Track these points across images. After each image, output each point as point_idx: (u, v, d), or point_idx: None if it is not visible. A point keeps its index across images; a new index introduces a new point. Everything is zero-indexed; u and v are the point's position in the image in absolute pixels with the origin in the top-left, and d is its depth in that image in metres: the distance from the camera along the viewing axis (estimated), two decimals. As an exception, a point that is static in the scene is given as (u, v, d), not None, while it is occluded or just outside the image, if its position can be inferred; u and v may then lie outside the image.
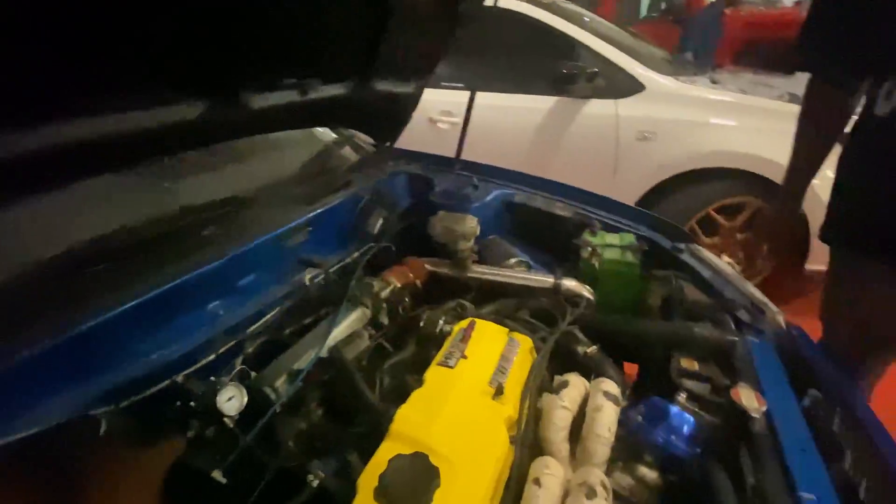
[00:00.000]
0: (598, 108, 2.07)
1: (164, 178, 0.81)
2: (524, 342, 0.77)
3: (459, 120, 2.42)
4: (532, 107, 2.21)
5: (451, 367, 0.69)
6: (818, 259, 1.85)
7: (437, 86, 2.50)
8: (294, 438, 0.66)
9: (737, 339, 0.76)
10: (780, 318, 0.89)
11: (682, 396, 0.65)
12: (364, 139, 1.47)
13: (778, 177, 1.76)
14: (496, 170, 1.47)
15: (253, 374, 0.68)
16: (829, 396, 0.68)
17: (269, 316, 0.83)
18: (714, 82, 2.06)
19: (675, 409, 0.60)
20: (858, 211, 0.97)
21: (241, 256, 0.78)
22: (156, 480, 0.55)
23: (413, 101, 1.35)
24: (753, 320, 0.84)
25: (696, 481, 0.55)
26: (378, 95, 1.19)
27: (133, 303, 0.62)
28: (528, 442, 0.62)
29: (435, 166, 1.45)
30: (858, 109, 0.93)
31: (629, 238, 1.13)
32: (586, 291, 0.99)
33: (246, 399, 0.60)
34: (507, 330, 0.78)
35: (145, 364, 0.63)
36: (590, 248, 1.06)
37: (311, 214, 0.92)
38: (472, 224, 1.00)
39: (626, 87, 2.02)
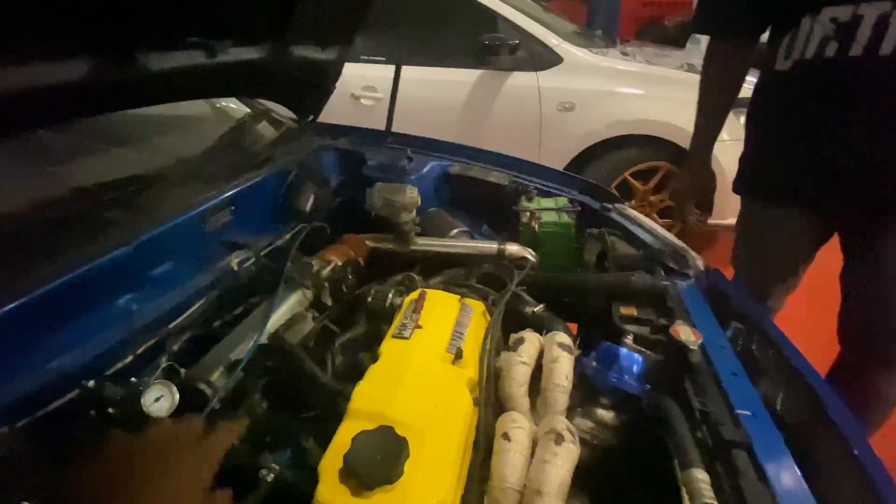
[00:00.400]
0: (520, 81, 2.11)
1: (53, 154, 0.67)
2: (476, 306, 0.76)
3: (383, 95, 2.36)
4: (457, 80, 2.20)
5: (406, 339, 0.66)
6: (720, 215, 2.07)
7: (356, 60, 2.39)
8: (242, 435, 0.59)
9: (668, 283, 0.82)
10: (700, 263, 0.97)
11: (629, 339, 0.69)
12: (283, 113, 1.35)
13: (683, 141, 1.96)
14: (429, 141, 1.44)
15: (183, 370, 0.60)
16: (747, 324, 0.76)
17: (194, 307, 0.74)
18: (624, 54, 2.19)
19: (624, 351, 0.64)
20: (761, 161, 1.08)
21: (152, 241, 0.68)
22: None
23: (335, 69, 1.26)
24: (679, 266, 0.91)
25: (650, 415, 0.59)
26: (296, 62, 1.09)
27: (19, 302, 0.51)
28: (492, 401, 0.62)
29: (365, 140, 1.38)
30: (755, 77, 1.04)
31: (563, 201, 1.17)
32: (529, 254, 1.01)
33: (177, 398, 0.53)
34: (458, 297, 0.77)
35: (44, 373, 0.52)
36: (528, 213, 1.08)
37: (233, 192, 0.83)
38: (412, 194, 0.96)
39: (546, 59, 2.08)
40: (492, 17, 2.13)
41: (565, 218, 1.09)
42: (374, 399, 0.56)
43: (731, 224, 2.10)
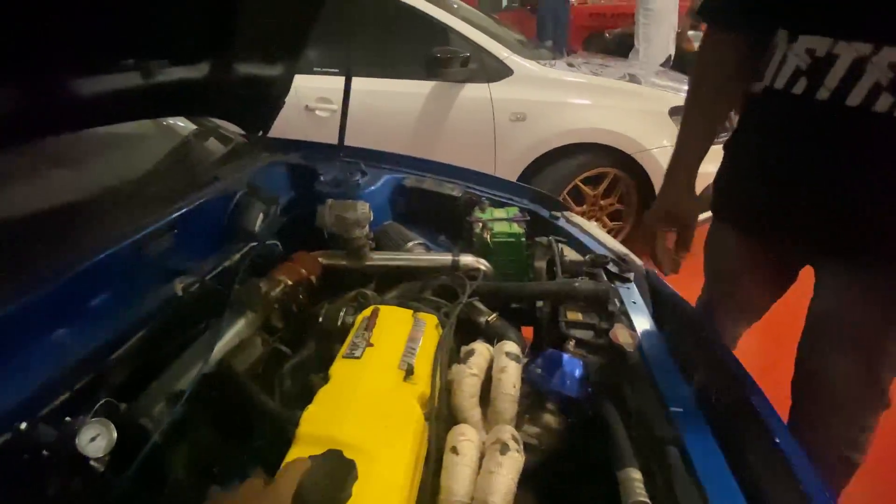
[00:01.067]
0: (473, 92, 2.16)
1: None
2: (429, 320, 0.78)
3: (338, 107, 2.33)
4: (411, 91, 2.22)
5: (357, 358, 0.66)
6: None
7: (310, 71, 2.37)
8: (184, 469, 0.58)
9: (609, 288, 0.86)
10: (641, 266, 1.03)
11: (570, 344, 0.72)
12: (231, 129, 1.32)
13: (627, 147, 2.06)
14: (382, 154, 1.45)
15: (123, 405, 0.58)
16: (683, 324, 0.82)
17: (135, 338, 0.71)
18: (570, 65, 2.28)
19: (566, 356, 0.67)
20: (727, 182, 0.95)
21: (89, 272, 0.65)
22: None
23: (283, 84, 1.25)
24: (621, 270, 0.97)
25: (592, 417, 0.62)
26: (241, 79, 1.08)
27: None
28: (444, 414, 0.63)
29: (317, 155, 1.37)
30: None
31: (513, 210, 1.20)
32: (482, 264, 1.03)
33: (115, 435, 0.51)
34: (411, 311, 0.78)
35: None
36: (481, 224, 1.11)
37: (175, 215, 0.81)
38: (364, 210, 0.97)
39: (497, 71, 2.14)
40: (443, 29, 2.17)
41: (516, 227, 1.12)
42: (322, 422, 0.56)
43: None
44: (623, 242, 2.36)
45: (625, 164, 2.11)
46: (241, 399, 0.62)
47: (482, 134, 2.19)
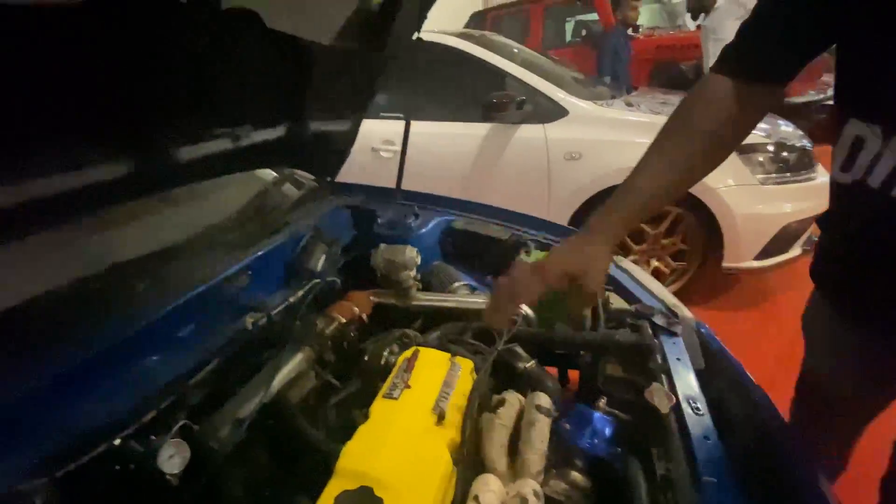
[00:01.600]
0: (528, 133, 2.21)
1: (92, 233, 0.79)
2: (465, 365, 0.82)
3: (399, 148, 2.50)
4: (468, 133, 2.33)
5: (395, 399, 0.72)
6: (734, 258, 2.06)
7: (376, 116, 2.57)
8: (242, 489, 0.66)
9: (650, 342, 0.85)
10: (691, 319, 1.00)
11: (602, 401, 0.72)
12: (305, 175, 1.49)
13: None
14: (435, 197, 1.54)
15: (196, 427, 0.68)
16: (729, 383, 0.78)
17: (210, 366, 0.83)
18: (629, 105, 2.27)
19: (597, 414, 0.67)
20: (829, 266, 0.82)
21: (177, 310, 0.78)
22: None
23: (349, 137, 1.40)
24: (667, 323, 0.94)
25: (619, 478, 0.62)
26: (312, 135, 1.23)
27: (61, 370, 0.61)
28: (472, 461, 0.66)
29: (377, 198, 1.49)
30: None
31: (558, 255, 1.22)
32: (525, 309, 1.05)
33: (188, 455, 0.60)
34: (448, 355, 0.83)
35: (78, 431, 0.61)
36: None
37: (249, 259, 0.93)
38: (411, 254, 1.04)
39: (552, 112, 2.19)
40: (500, 74, 2.28)
41: (559, 274, 1.13)
42: (359, 458, 0.61)
43: (748, 267, 2.10)
44: (688, 285, 2.26)
45: (688, 202, 2.03)
46: (292, 430, 0.70)
47: (536, 173, 2.23)
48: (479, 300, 1.07)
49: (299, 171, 1.48)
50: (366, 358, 0.83)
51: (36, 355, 0.61)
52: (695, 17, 3.79)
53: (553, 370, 1.00)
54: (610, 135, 2.09)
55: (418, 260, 1.07)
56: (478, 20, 5.97)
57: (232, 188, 1.16)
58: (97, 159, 0.68)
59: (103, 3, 0.47)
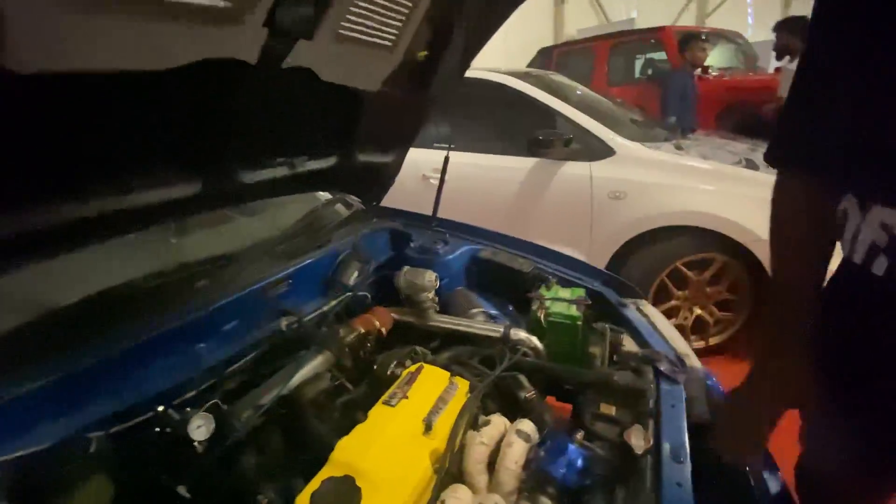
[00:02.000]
0: (573, 170, 2.26)
1: (169, 237, 0.97)
2: (462, 385, 0.88)
3: (448, 177, 2.63)
4: (515, 166, 2.41)
5: (392, 406, 0.80)
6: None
7: (429, 146, 2.75)
8: (254, 465, 0.77)
9: (644, 386, 0.86)
10: (700, 370, 0.99)
11: (580, 435, 0.75)
12: (354, 198, 1.65)
13: (731, 233, 1.90)
14: (468, 227, 1.63)
15: (225, 407, 0.81)
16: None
17: (247, 358, 0.96)
18: (678, 148, 2.24)
19: (572, 446, 0.71)
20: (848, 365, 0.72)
21: (225, 306, 0.93)
22: (133, 495, 0.66)
23: (394, 168, 1.54)
24: (671, 370, 0.95)
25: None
26: (360, 166, 1.38)
27: (129, 346, 0.77)
28: (452, 472, 0.72)
29: (415, 223, 1.61)
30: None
31: (579, 292, 1.25)
32: (531, 341, 1.10)
33: (213, 427, 0.72)
34: (448, 374, 0.90)
35: (135, 396, 0.76)
36: (538, 302, 1.19)
37: (291, 269, 1.08)
38: (430, 278, 1.14)
39: (599, 151, 2.22)
40: (550, 112, 2.36)
41: (573, 310, 1.16)
42: (350, 452, 0.70)
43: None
44: (735, 335, 2.14)
45: (735, 251, 1.95)
46: (301, 421, 0.81)
47: (579, 210, 2.26)
48: (490, 328, 1.13)
49: (350, 195, 1.65)
50: (375, 367, 0.93)
51: (112, 332, 0.77)
52: (779, 58, 3.63)
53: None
54: (655, 177, 2.08)
55: (437, 284, 1.16)
56: (545, 55, 6.12)
57: (289, 206, 1.33)
58: (182, 180, 0.86)
59: (193, 69, 0.63)
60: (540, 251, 1.49)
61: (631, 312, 1.22)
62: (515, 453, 0.72)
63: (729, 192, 1.95)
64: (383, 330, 1.14)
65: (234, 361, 0.94)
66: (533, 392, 0.96)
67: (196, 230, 1.06)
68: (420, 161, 2.76)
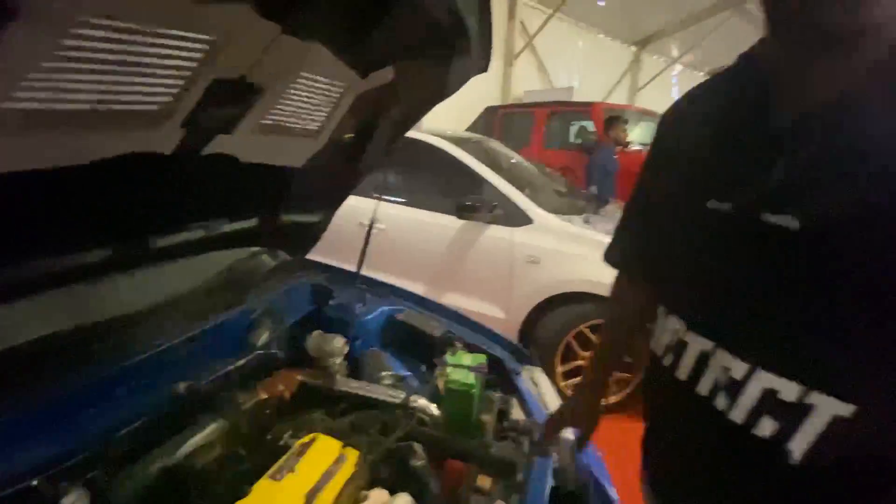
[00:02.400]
0: (497, 233, 2.46)
1: (71, 298, 0.96)
2: (351, 456, 0.94)
3: (385, 227, 2.73)
4: (445, 224, 2.57)
5: (278, 481, 0.84)
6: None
7: (367, 195, 2.85)
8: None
9: (517, 460, 0.97)
10: (569, 440, 1.12)
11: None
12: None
13: None
14: (393, 288, 1.72)
15: (106, 480, 0.80)
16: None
17: (135, 425, 0.96)
18: (587, 222, 2.52)
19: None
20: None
21: (117, 370, 0.93)
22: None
23: (321, 226, 1.61)
24: (541, 444, 1.07)
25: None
26: (284, 225, 1.44)
27: (4, 411, 0.75)
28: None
29: (340, 278, 1.67)
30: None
31: (480, 359, 1.35)
32: (430, 408, 1.18)
33: (89, 502, 0.72)
34: (340, 445, 0.95)
35: (9, 466, 0.74)
36: (439, 369, 1.28)
37: (196, 331, 1.09)
38: (339, 344, 1.20)
39: (519, 218, 2.44)
40: (479, 179, 2.58)
41: (471, 378, 1.26)
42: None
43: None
44: (632, 393, 2.34)
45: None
46: (184, 495, 0.82)
47: (501, 269, 2.44)
48: (392, 394, 1.21)
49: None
50: (269, 437, 0.96)
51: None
52: None
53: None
54: (565, 246, 2.32)
55: (346, 349, 1.22)
56: (492, 114, 6.58)
57: (210, 259, 1.33)
58: (92, 246, 0.88)
59: (115, 161, 0.68)
60: (454, 316, 1.60)
61: (522, 380, 1.35)
62: (388, 530, 0.78)
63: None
64: (286, 394, 1.17)
65: (124, 427, 0.93)
66: (423, 461, 1.03)
67: (105, 289, 1.05)
68: (358, 209, 2.86)
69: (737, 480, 0.64)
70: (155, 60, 0.59)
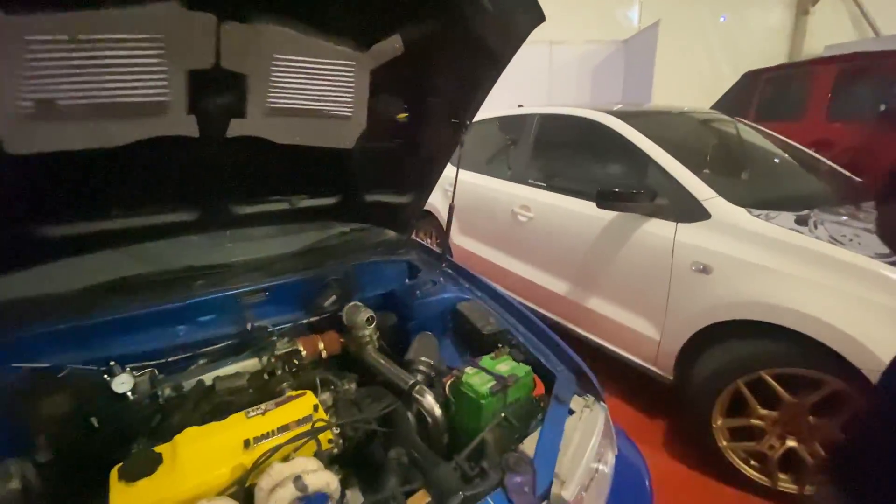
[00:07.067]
0: (656, 228, 1.93)
1: (192, 246, 1.35)
2: (318, 424, 0.97)
3: (535, 215, 2.60)
4: (596, 215, 2.18)
5: (247, 417, 0.97)
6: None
7: (524, 182, 2.72)
8: (152, 425, 1.04)
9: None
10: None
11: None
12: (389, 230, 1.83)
13: (852, 354, 1.30)
14: (472, 276, 1.61)
15: (161, 376, 1.11)
16: None
17: (218, 346, 1.26)
18: (801, 223, 1.65)
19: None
20: None
21: (204, 302, 1.25)
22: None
23: (414, 208, 1.66)
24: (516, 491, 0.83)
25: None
26: (369, 204, 1.56)
27: (123, 315, 1.14)
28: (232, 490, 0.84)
29: (426, 258, 1.70)
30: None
31: (524, 369, 1.15)
32: (433, 407, 1.09)
33: (132, 385, 1.02)
34: (313, 404, 1.00)
35: (113, 350, 1.12)
36: (458, 368, 1.15)
37: (269, 284, 1.34)
38: (363, 317, 1.25)
39: (691, 211, 1.84)
40: (644, 161, 2.06)
41: (486, 388, 1.08)
42: (184, 438, 0.90)
43: None
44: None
45: (853, 378, 1.37)
46: (197, 402, 1.05)
47: (657, 276, 1.92)
48: (403, 379, 1.16)
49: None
50: (266, 378, 1.11)
51: (115, 304, 1.16)
52: None
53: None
54: (754, 254, 1.61)
55: (372, 323, 1.26)
56: (751, 80, 5.06)
57: (298, 230, 1.58)
58: (185, 210, 1.21)
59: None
60: (524, 318, 1.39)
61: (557, 410, 1.06)
62: (279, 496, 0.79)
63: (854, 294, 1.37)
64: (324, 353, 1.30)
65: (196, 347, 1.24)
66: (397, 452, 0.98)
67: (219, 243, 1.42)
68: (511, 196, 2.77)
69: None
70: (133, 61, 0.77)
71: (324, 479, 0.84)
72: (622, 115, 2.30)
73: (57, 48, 0.70)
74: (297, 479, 0.82)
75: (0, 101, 0.73)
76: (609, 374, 1.91)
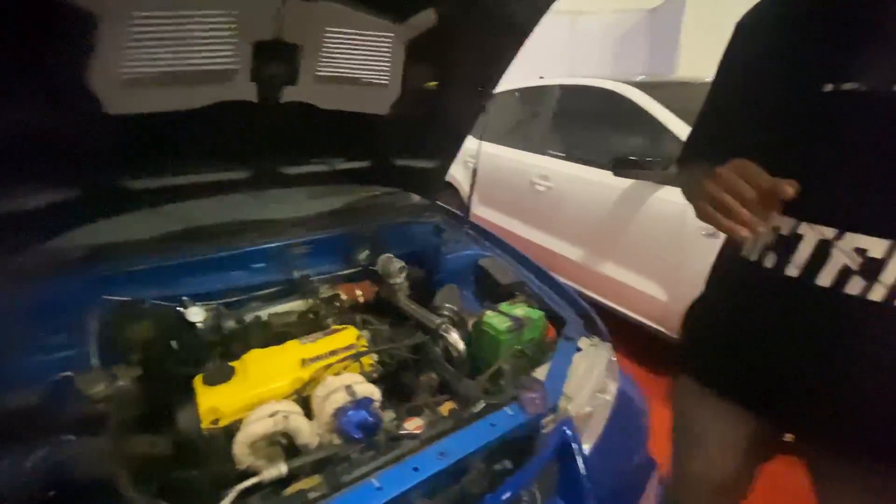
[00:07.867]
0: (669, 195, 2.02)
1: (249, 203, 1.51)
2: (360, 350, 1.15)
3: (553, 185, 2.70)
4: (610, 183, 2.28)
5: (301, 343, 1.15)
6: None
7: (543, 153, 2.81)
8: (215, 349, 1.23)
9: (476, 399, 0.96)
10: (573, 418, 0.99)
11: (376, 404, 0.94)
12: (415, 194, 1.97)
13: None
14: (491, 236, 1.75)
15: (225, 311, 1.30)
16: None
17: (268, 290, 1.45)
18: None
19: (363, 412, 0.92)
20: (704, 337, 0.96)
21: (258, 251, 1.42)
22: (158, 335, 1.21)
23: (439, 172, 1.80)
24: (529, 401, 0.99)
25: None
26: (399, 168, 1.70)
27: (189, 259, 1.32)
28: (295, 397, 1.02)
29: (450, 221, 1.85)
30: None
31: (535, 314, 1.30)
32: (457, 342, 1.25)
33: (204, 316, 1.21)
34: (356, 336, 1.18)
35: (186, 287, 1.30)
36: (480, 310, 1.30)
37: (310, 238, 1.50)
38: (395, 267, 1.40)
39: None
40: (659, 129, 2.13)
41: (504, 326, 1.22)
42: (254, 357, 1.09)
43: None
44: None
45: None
46: (257, 335, 1.24)
47: (668, 241, 2.03)
48: (429, 317, 1.33)
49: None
50: (312, 317, 1.28)
51: (195, 247, 1.34)
52: None
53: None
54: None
55: (403, 272, 1.42)
56: None
57: (335, 191, 1.74)
58: (238, 169, 1.37)
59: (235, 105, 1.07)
60: (538, 272, 1.53)
61: (566, 346, 1.21)
62: (333, 399, 0.97)
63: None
64: (361, 299, 1.47)
65: (251, 291, 1.42)
66: (428, 375, 1.15)
67: (265, 201, 1.59)
68: (529, 166, 2.86)
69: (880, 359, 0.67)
70: (211, 34, 0.91)
71: (369, 389, 1.02)
72: (643, 86, 2.35)
73: (154, 22, 0.84)
74: (348, 386, 1.00)
75: (105, 68, 0.89)
76: (620, 335, 2.05)
